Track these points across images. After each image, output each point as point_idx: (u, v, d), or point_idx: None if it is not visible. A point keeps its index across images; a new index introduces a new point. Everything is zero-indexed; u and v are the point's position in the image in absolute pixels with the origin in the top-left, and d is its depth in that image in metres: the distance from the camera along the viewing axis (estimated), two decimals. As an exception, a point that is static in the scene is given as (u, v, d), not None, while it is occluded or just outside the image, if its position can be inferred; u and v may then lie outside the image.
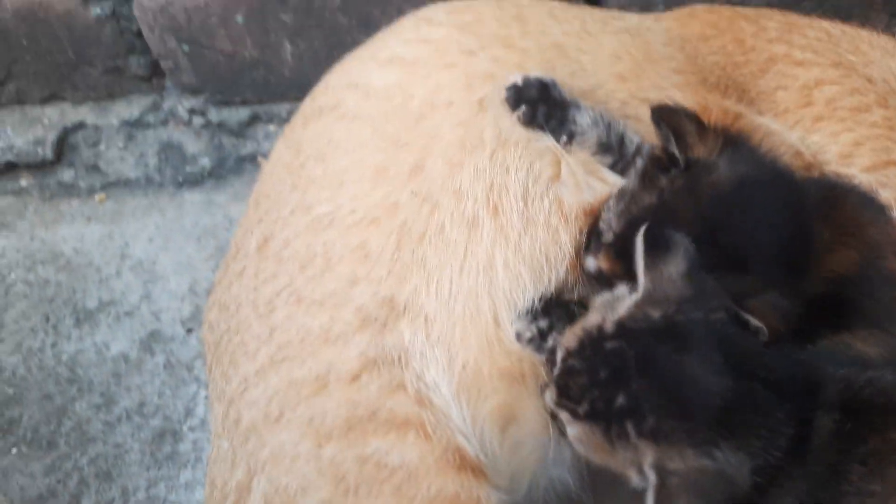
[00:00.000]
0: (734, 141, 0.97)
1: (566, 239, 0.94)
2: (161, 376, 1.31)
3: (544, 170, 0.99)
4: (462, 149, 0.99)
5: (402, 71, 1.10)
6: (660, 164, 0.95)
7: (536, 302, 0.90)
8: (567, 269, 0.93)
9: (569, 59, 1.14)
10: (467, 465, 0.78)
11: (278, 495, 0.79)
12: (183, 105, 1.66)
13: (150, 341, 1.38)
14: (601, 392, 0.72)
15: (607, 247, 0.88)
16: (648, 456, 0.69)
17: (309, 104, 1.17)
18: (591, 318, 0.79)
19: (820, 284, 0.90)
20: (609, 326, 0.76)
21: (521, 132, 1.01)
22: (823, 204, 0.95)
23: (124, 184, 1.69)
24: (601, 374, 0.73)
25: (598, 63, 1.15)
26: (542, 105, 1.01)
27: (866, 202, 1.00)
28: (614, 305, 0.79)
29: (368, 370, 0.84)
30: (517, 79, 1.02)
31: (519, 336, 0.88)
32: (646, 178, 0.95)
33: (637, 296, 0.78)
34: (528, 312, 0.90)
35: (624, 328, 0.75)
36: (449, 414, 0.83)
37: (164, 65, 1.59)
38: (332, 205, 0.98)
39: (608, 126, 1.04)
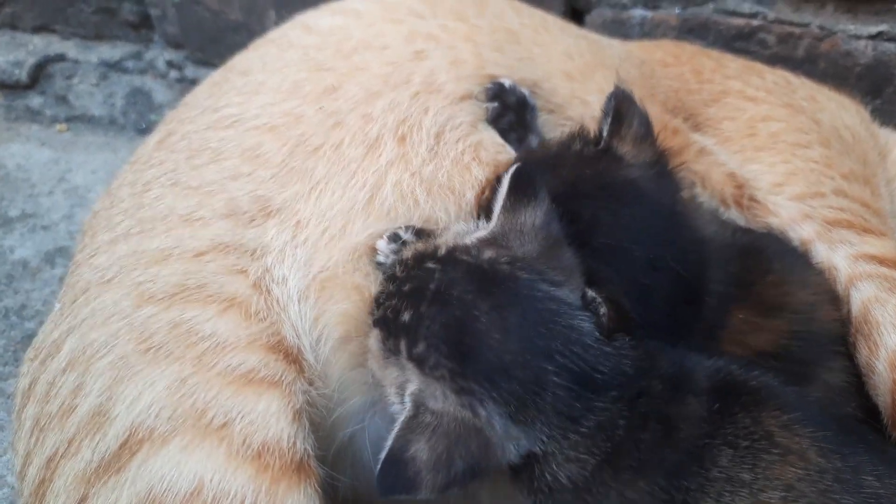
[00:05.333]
0: (667, 169, 0.93)
1: (479, 173, 0.91)
2: (52, 287, 1.27)
3: (466, 120, 0.98)
4: (385, 83, 0.98)
5: (349, 18, 1.11)
6: (583, 135, 0.93)
7: (407, 229, 0.86)
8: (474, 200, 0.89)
9: (520, 45, 1.15)
10: (281, 351, 0.72)
11: (83, 351, 0.74)
12: (164, 57, 1.68)
13: (56, 255, 1.34)
14: (396, 303, 0.69)
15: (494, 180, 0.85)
16: (413, 383, 0.65)
17: (259, 39, 1.18)
18: (437, 241, 0.75)
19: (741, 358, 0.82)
20: (442, 250, 0.72)
21: (455, 90, 1.01)
22: (743, 279, 0.88)
23: (87, 119, 1.69)
24: (405, 287, 0.69)
25: (548, 57, 1.15)
26: (512, 114, 1.01)
27: (793, 264, 0.95)
28: (463, 235, 0.76)
29: (216, 251, 0.80)
30: (507, 81, 1.03)
31: (377, 253, 0.84)
32: (563, 141, 0.93)
33: (483, 232, 0.74)
34: (394, 235, 0.85)
35: (451, 255, 0.71)
36: (286, 306, 0.78)
37: (153, 12, 1.63)
38: (239, 108, 0.97)
39: None
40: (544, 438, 0.66)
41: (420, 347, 0.65)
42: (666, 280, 0.80)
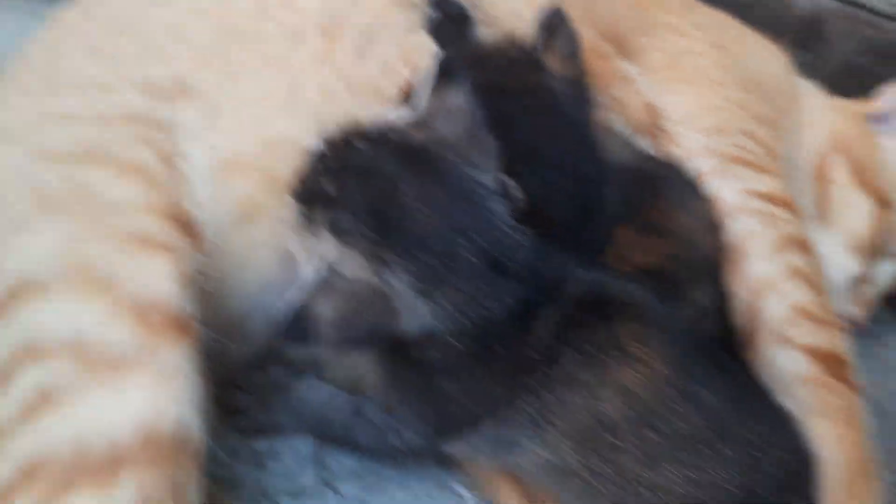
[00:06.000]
0: (586, 87, 0.99)
1: (408, 76, 0.92)
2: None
3: (399, 23, 0.98)
4: None
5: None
6: (514, 43, 0.97)
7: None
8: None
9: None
10: (180, 220, 0.74)
11: (-25, 209, 0.74)
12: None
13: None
14: (319, 176, 0.71)
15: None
16: (329, 251, 0.68)
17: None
18: (370, 123, 0.77)
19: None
20: (372, 130, 0.74)
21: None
22: (635, 200, 0.94)
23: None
24: (331, 164, 0.72)
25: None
26: (452, 25, 1.02)
27: (684, 191, 1.01)
28: (392, 120, 0.78)
29: (126, 119, 0.81)
30: None
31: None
32: (495, 44, 0.97)
33: (411, 116, 0.77)
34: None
35: (380, 134, 0.73)
36: (191, 180, 0.80)
37: None
38: (170, -8, 0.95)
39: None
40: (443, 317, 0.68)
41: (339, 217, 0.68)
42: (569, 186, 0.85)
